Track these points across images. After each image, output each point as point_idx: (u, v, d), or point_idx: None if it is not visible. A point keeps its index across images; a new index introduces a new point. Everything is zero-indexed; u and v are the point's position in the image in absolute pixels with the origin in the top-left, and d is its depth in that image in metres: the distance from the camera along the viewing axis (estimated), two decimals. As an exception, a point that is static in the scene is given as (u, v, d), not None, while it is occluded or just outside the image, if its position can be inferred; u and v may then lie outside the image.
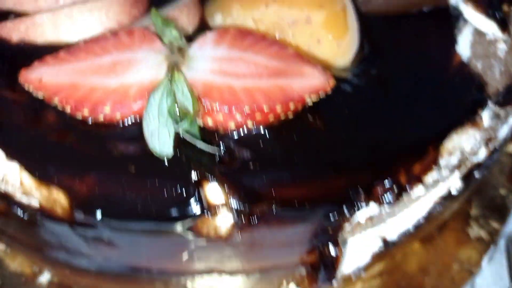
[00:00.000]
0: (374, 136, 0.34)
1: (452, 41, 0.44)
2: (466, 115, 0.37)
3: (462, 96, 0.38)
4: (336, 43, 0.40)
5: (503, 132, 0.42)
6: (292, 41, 0.39)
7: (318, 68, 0.34)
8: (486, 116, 0.38)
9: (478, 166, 0.40)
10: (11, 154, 0.31)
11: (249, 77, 0.32)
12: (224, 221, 0.31)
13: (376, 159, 0.33)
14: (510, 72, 0.43)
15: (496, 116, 0.39)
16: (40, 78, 0.33)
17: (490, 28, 0.45)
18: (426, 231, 0.47)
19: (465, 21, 0.46)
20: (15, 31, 0.39)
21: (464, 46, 0.45)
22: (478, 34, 0.45)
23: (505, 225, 0.56)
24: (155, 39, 0.35)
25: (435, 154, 0.34)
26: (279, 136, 0.32)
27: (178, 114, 0.31)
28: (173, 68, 0.32)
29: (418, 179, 0.33)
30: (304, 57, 0.35)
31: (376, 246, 0.39)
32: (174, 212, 0.30)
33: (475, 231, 0.55)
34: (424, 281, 0.51)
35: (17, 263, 0.51)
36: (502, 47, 0.45)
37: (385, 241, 0.39)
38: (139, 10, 0.41)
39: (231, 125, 0.32)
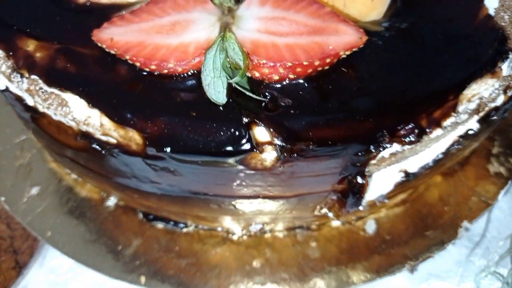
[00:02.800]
0: (399, 84, 0.38)
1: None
2: (486, 67, 0.40)
3: (484, 49, 0.40)
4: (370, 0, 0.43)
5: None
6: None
7: (351, 26, 0.37)
8: (505, 67, 0.41)
9: (495, 109, 0.44)
10: (92, 103, 0.38)
11: (291, 35, 0.37)
12: (268, 156, 0.37)
13: (400, 105, 0.37)
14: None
15: (516, 67, 0.43)
16: (111, 37, 0.38)
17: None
18: (446, 166, 0.52)
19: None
20: (82, -8, 0.43)
21: (493, -1, 0.47)
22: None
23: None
24: (207, 0, 0.39)
25: (454, 102, 0.39)
26: (316, 86, 0.37)
27: (230, 68, 0.37)
28: (225, 28, 0.37)
29: (438, 124, 0.38)
30: (339, 16, 0.38)
31: (398, 177, 0.45)
32: (228, 148, 0.36)
33: (495, 167, 0.60)
34: (443, 209, 0.57)
35: (87, 190, 0.60)
36: (531, -1, 0.46)
37: (406, 173, 0.45)
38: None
39: (275, 77, 0.37)
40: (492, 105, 0.43)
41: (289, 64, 0.36)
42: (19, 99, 0.42)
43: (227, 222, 0.51)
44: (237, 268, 0.53)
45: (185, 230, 0.55)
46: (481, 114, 0.42)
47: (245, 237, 0.55)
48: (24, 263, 0.58)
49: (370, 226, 0.55)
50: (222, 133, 0.36)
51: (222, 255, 0.54)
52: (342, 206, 0.43)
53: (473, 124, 0.43)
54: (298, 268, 0.52)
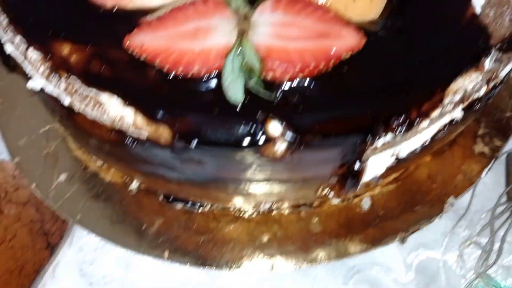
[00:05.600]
0: (393, 81, 0.44)
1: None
2: (470, 63, 0.45)
3: (469, 46, 0.46)
4: (369, 1, 0.48)
5: (504, 72, 0.50)
6: (332, 2, 0.46)
7: (352, 29, 0.43)
8: (488, 62, 0.47)
9: (478, 100, 0.50)
10: (128, 102, 0.43)
11: (300, 40, 0.42)
12: (280, 147, 0.43)
13: (393, 100, 0.43)
14: (519, 19, 0.50)
15: (498, 60, 0.48)
16: (141, 44, 0.42)
17: (507, -24, 0.51)
18: (434, 149, 0.58)
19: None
20: (108, -1, 0.48)
21: (481, -5, 0.52)
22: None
23: (507, 143, 0.66)
24: (225, 7, 0.44)
25: (441, 95, 0.44)
26: (321, 85, 0.42)
27: (246, 70, 0.42)
28: (242, 34, 0.42)
29: (426, 115, 0.44)
30: (341, 20, 0.43)
31: (390, 161, 0.51)
32: (246, 141, 0.42)
33: (480, 147, 0.66)
34: (431, 187, 0.64)
35: (111, 175, 0.66)
36: (516, -6, 0.51)
37: (397, 158, 0.51)
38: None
39: (286, 78, 0.42)
40: (476, 95, 0.48)
41: (298, 67, 0.41)
42: (55, 99, 0.47)
43: (241, 202, 0.58)
44: (249, 242, 0.60)
45: (201, 209, 0.61)
46: (465, 103, 0.48)
47: (255, 215, 0.62)
48: (55, 244, 0.64)
49: (366, 203, 0.62)
50: (240, 128, 0.42)
51: (235, 231, 0.60)
52: (342, 188, 0.49)
53: (457, 113, 0.48)
54: (302, 242, 0.59)
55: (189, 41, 0.43)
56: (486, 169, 0.63)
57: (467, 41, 0.47)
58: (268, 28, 0.43)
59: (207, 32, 0.43)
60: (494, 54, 0.47)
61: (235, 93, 0.42)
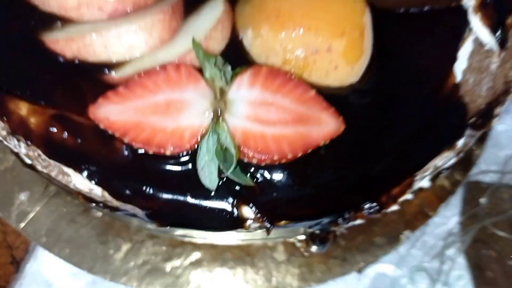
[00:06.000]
0: (367, 166, 0.44)
1: (453, 56, 0.48)
2: (445, 146, 0.46)
3: (445, 128, 0.45)
4: (351, 67, 0.45)
5: (474, 140, 0.51)
6: (313, 67, 0.44)
7: (332, 115, 0.41)
8: (461, 141, 0.47)
9: (446, 169, 0.51)
10: (94, 182, 0.41)
11: (278, 124, 0.40)
12: (253, 225, 0.43)
13: (364, 186, 0.43)
14: (495, 89, 0.50)
15: (470, 136, 0.48)
16: (108, 117, 0.39)
17: (490, 41, 0.50)
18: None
19: (470, 29, 0.50)
20: (68, 49, 0.42)
21: (463, 57, 0.50)
22: (479, 44, 0.50)
23: (466, 177, 0.69)
24: (199, 77, 0.41)
25: (412, 178, 0.45)
26: (296, 171, 0.42)
27: (222, 152, 0.40)
28: (218, 116, 0.40)
29: (395, 200, 0.45)
30: (322, 101, 0.41)
31: (357, 222, 0.53)
32: (219, 225, 0.42)
33: (441, 179, 0.68)
34: (391, 217, 0.66)
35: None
36: (495, 61, 0.50)
37: (366, 219, 0.52)
38: (177, 21, 0.44)
39: (262, 165, 0.41)
40: (444, 167, 0.49)
41: (276, 156, 0.40)
42: (16, 154, 0.44)
43: (208, 238, 0.59)
44: (215, 268, 0.62)
45: (168, 235, 0.62)
46: (433, 174, 0.49)
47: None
48: (20, 258, 0.64)
49: (329, 233, 0.64)
50: (214, 212, 0.41)
51: (201, 257, 0.62)
52: (309, 246, 0.51)
53: (425, 183, 0.50)
54: (266, 270, 0.62)
55: (161, 116, 0.40)
56: (443, 204, 0.66)
57: (443, 121, 0.46)
58: (245, 107, 0.40)
59: (180, 108, 0.40)
60: (468, 132, 0.47)
61: (209, 177, 0.40)
